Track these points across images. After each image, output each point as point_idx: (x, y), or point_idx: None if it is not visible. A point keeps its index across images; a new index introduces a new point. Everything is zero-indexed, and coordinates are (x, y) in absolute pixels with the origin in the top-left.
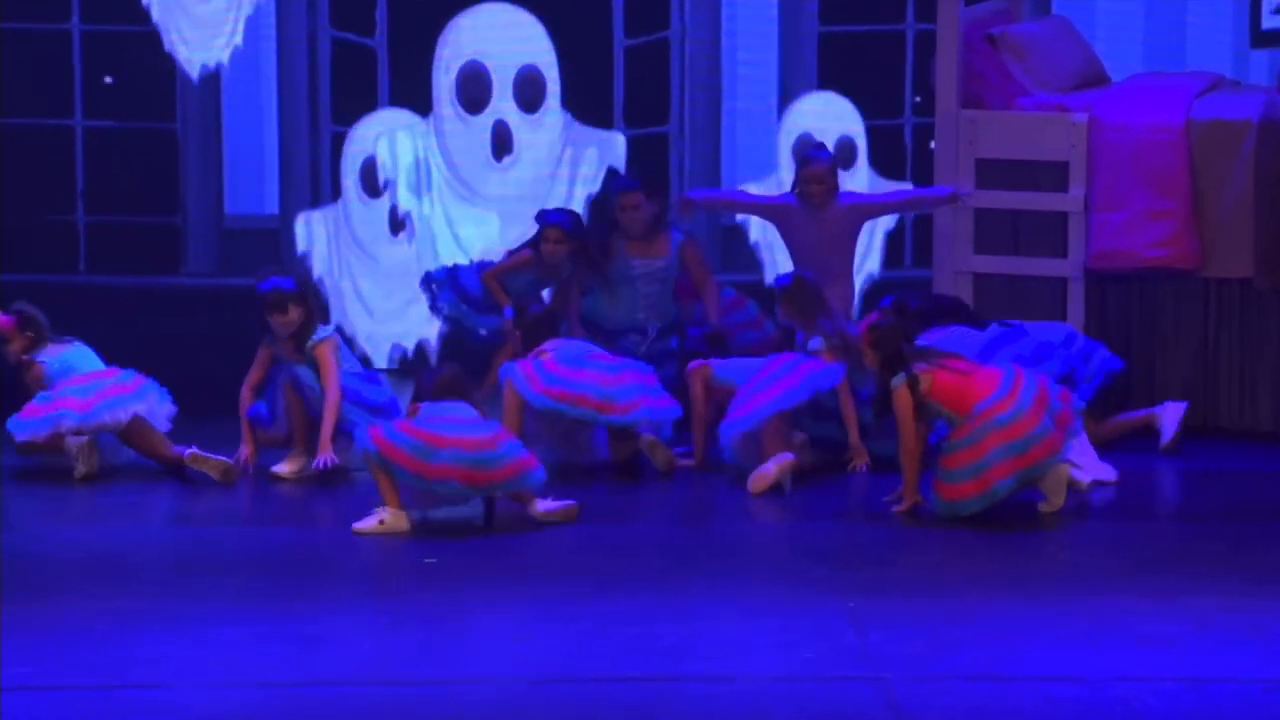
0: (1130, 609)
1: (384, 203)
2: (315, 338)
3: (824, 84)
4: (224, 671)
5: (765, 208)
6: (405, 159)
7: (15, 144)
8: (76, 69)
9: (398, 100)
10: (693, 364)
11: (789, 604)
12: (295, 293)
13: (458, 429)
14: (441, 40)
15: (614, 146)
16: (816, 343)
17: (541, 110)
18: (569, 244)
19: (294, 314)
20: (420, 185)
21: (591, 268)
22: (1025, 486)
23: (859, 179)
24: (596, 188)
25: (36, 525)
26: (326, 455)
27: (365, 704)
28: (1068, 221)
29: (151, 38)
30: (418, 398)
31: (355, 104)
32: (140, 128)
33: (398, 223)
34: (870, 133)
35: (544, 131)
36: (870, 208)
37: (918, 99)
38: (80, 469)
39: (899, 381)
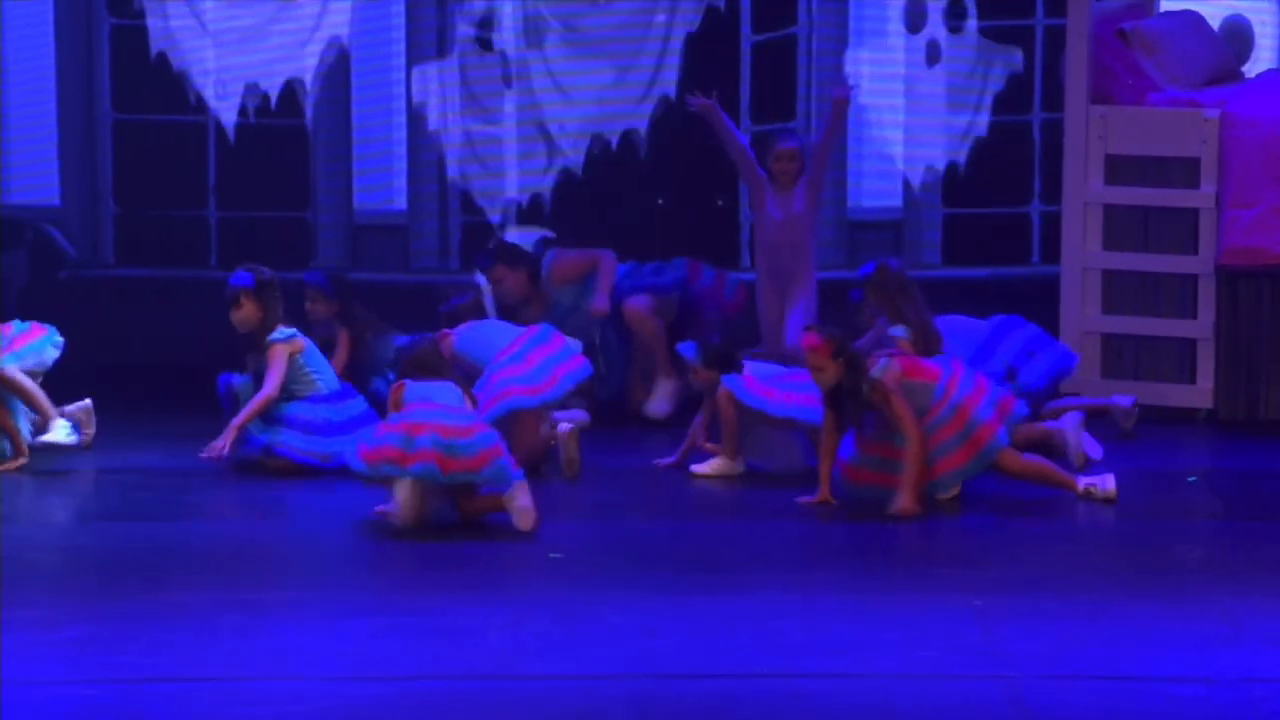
0: (1264, 609)
1: (496, 57)
2: (272, 336)
3: (949, 79)
4: (350, 664)
5: (748, 162)
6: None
7: (149, 140)
8: (209, 65)
9: (525, 97)
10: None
11: (913, 601)
12: (251, 288)
13: (436, 415)
14: None
15: None
16: (900, 331)
17: None
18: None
19: (248, 310)
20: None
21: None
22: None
23: None
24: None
25: (163, 517)
26: (221, 445)
27: (493, 698)
28: (1198, 218)
29: (282, 34)
30: (401, 374)
31: (485, 102)
32: (270, 123)
33: (508, 76)
34: (999, 128)
35: None
36: (813, 172)
37: (1047, 95)
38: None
39: (881, 370)
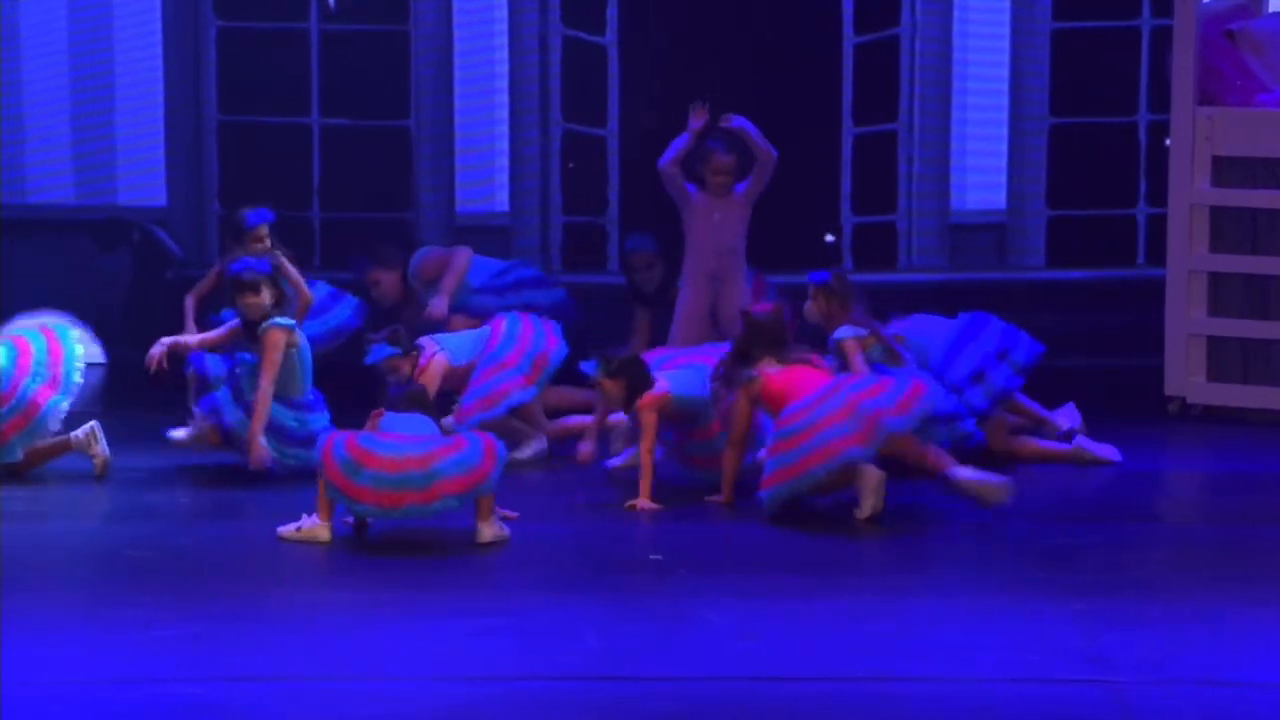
0: None
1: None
2: (276, 320)
3: (1056, 81)
4: (449, 664)
5: (683, 191)
6: None
7: (255, 142)
8: (314, 67)
9: (627, 98)
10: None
11: (1011, 605)
12: (270, 275)
13: (392, 448)
14: None
15: None
16: (845, 332)
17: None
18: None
19: (265, 296)
20: None
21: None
22: (830, 488)
23: None
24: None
25: (259, 515)
26: (261, 454)
27: (590, 699)
28: None
29: (385, 36)
30: (382, 405)
31: (586, 102)
32: (375, 125)
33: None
34: (1104, 130)
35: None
36: (749, 186)
37: (1153, 95)
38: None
39: (744, 379)
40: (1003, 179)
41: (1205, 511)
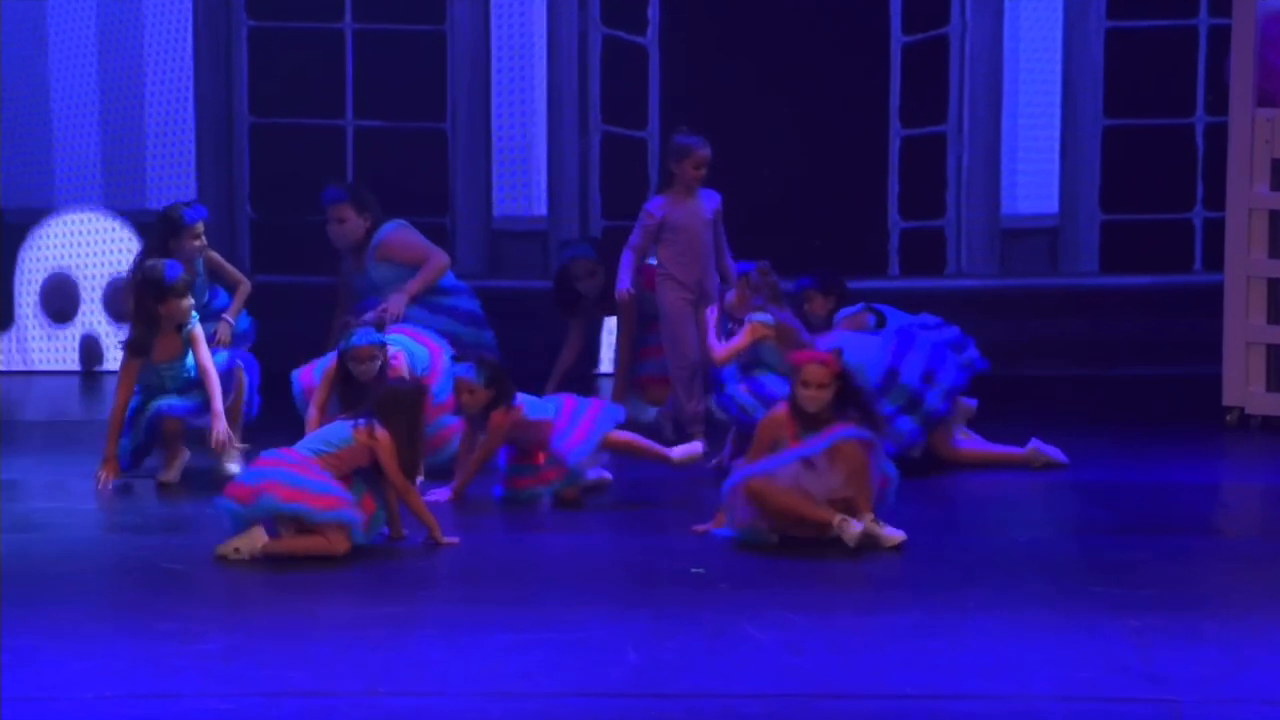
0: None
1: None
2: (195, 322)
3: (1110, 81)
4: (489, 680)
5: (651, 232)
6: None
7: (288, 144)
8: (348, 68)
9: (667, 99)
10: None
11: (1067, 621)
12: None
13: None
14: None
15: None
16: (765, 316)
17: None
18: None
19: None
20: None
21: None
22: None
23: None
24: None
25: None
26: (231, 444)
27: (631, 716)
28: None
29: (420, 36)
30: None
31: (626, 104)
32: (410, 127)
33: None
34: (1159, 132)
35: None
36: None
37: (1210, 97)
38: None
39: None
40: (1055, 182)
41: (1264, 525)
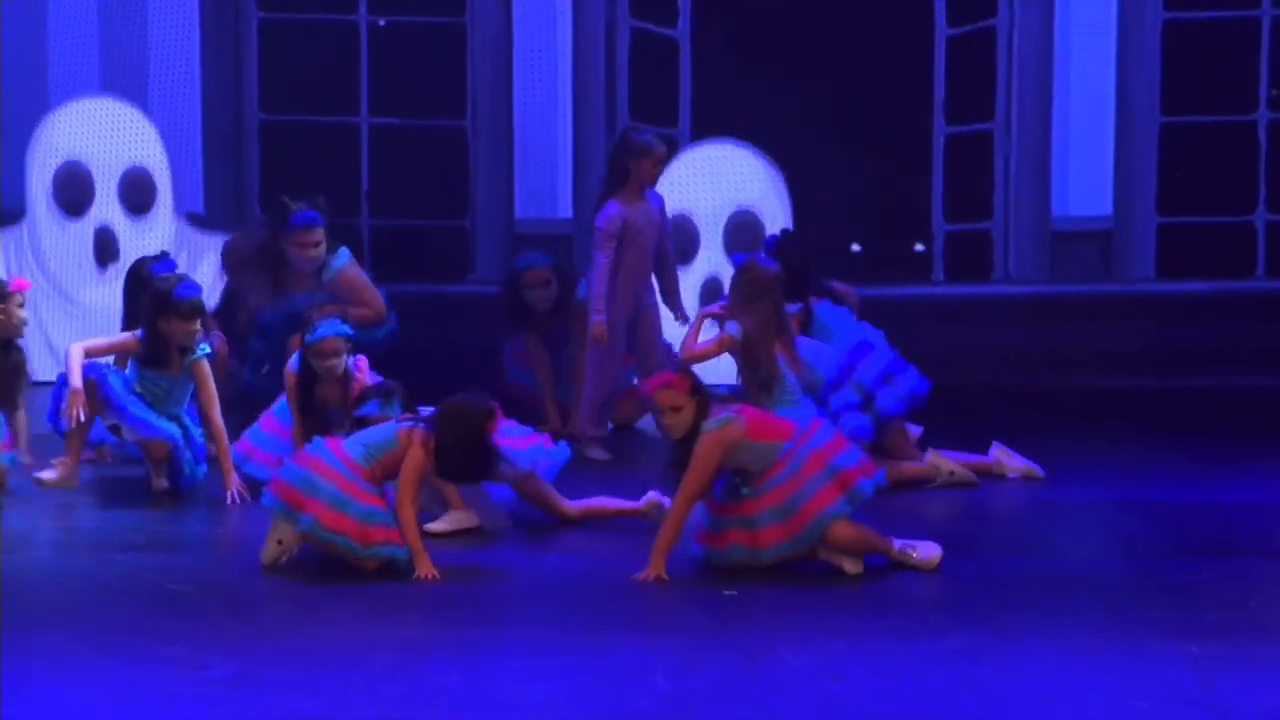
0: None
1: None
2: (202, 352)
3: (1168, 76)
4: (511, 709)
5: (614, 241)
6: None
7: (300, 142)
8: (363, 63)
9: (700, 96)
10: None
11: (1122, 647)
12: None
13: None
14: (34, 137)
15: None
16: (734, 327)
17: (151, 214)
18: None
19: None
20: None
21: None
22: (804, 551)
23: None
24: (216, 298)
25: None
26: (235, 486)
27: None
28: None
29: (439, 29)
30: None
31: (655, 100)
32: (428, 125)
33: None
34: (1220, 129)
35: (153, 235)
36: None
37: (1274, 91)
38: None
39: (716, 424)
40: (1109, 183)
41: None
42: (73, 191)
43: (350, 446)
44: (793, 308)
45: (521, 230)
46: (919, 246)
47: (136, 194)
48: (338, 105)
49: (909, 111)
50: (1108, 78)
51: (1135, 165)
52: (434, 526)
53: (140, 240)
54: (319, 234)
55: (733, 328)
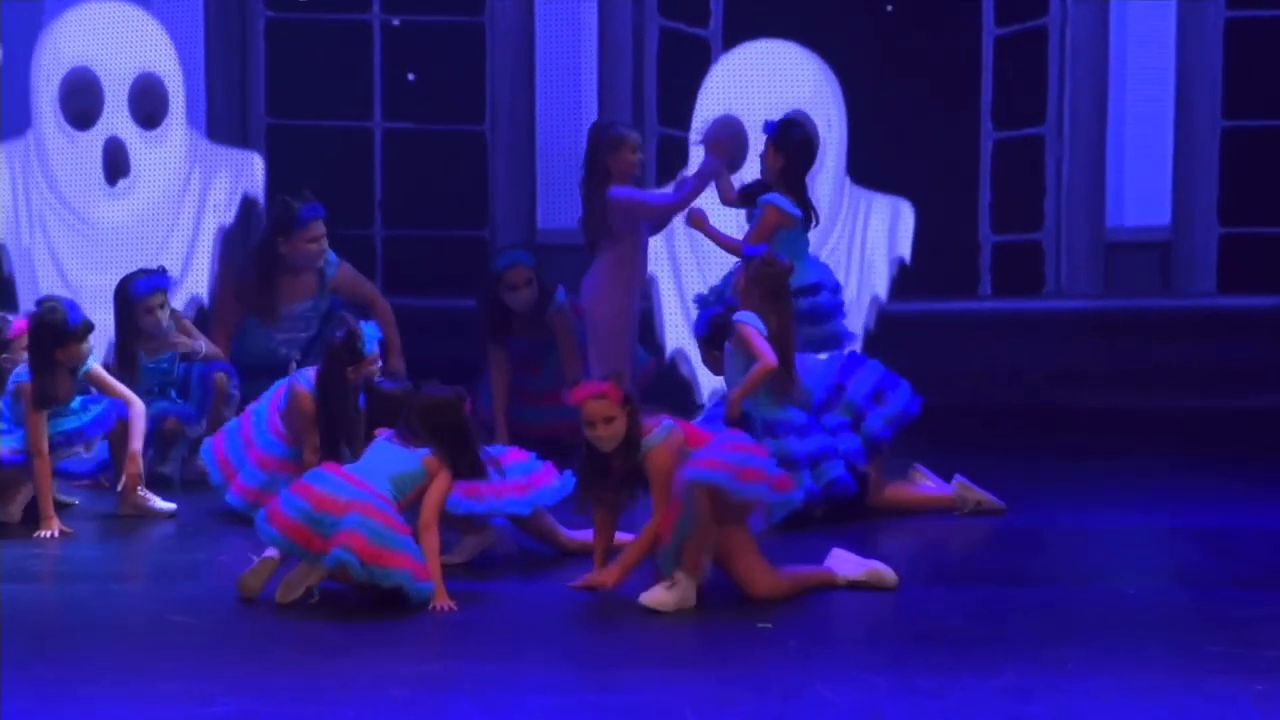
0: None
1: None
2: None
3: (1230, 78)
4: None
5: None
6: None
7: (309, 148)
8: (376, 64)
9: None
10: None
11: (1181, 683)
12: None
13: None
14: (39, 44)
15: (249, 168)
16: (749, 318)
17: (163, 126)
18: None
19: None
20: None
21: None
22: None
23: None
24: (230, 216)
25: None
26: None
27: None
28: None
29: (457, 29)
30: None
31: (685, 104)
32: (445, 130)
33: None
34: None
35: (166, 149)
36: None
37: None
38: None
39: (660, 437)
40: (1167, 191)
41: None
42: (81, 101)
43: (371, 477)
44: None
45: (544, 241)
46: (966, 257)
47: (147, 104)
48: (350, 109)
49: (955, 116)
50: (1166, 79)
51: (1195, 172)
52: (450, 559)
53: (151, 154)
54: (321, 227)
55: (748, 318)
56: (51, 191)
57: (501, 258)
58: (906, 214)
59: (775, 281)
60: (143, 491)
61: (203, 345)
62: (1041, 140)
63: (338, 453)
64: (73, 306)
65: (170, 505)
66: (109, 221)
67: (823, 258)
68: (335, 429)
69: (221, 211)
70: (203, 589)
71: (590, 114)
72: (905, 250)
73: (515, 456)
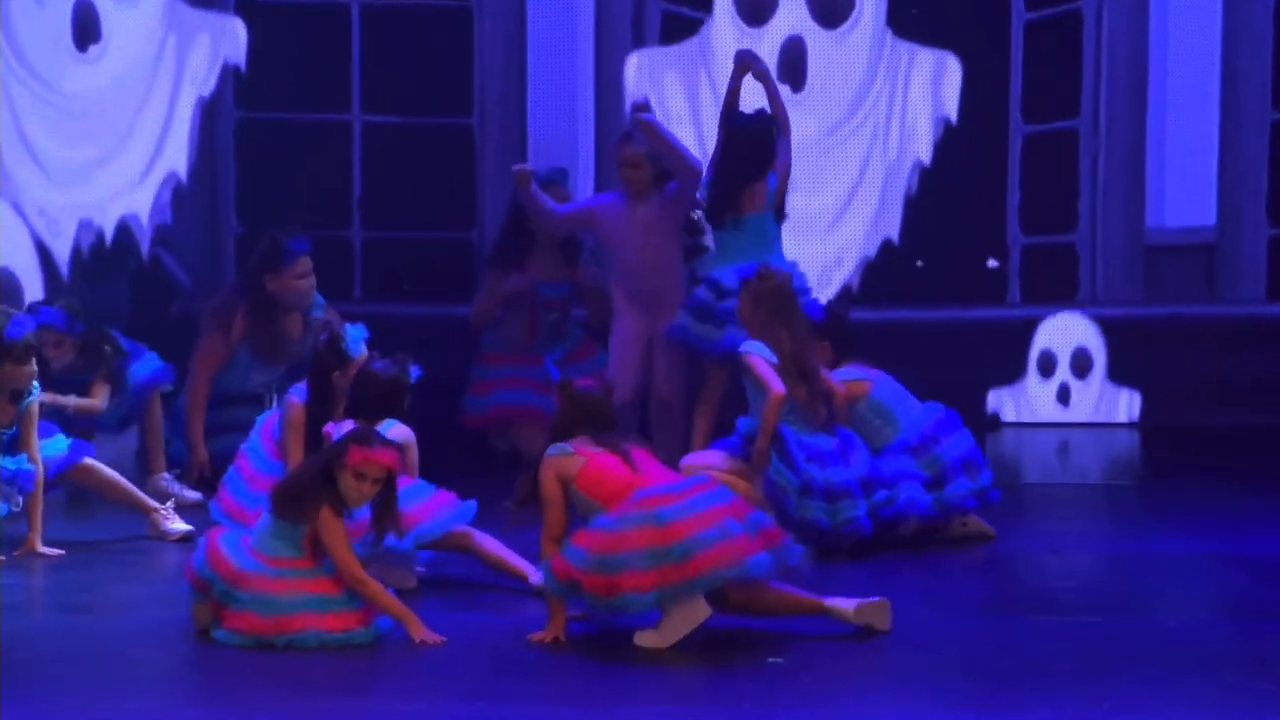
0: None
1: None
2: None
3: None
4: None
5: (574, 216)
6: None
7: (281, 143)
8: (355, 52)
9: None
10: None
11: None
12: (65, 330)
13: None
14: None
15: (231, 34)
16: (758, 349)
17: None
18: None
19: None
20: None
21: None
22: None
23: None
24: (210, 87)
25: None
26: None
27: None
28: None
29: (442, 13)
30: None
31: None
32: (429, 123)
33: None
34: None
35: (139, 13)
36: (677, 195)
37: None
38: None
39: (555, 451)
40: (1212, 189)
41: None
42: None
43: (259, 541)
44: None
45: None
46: (992, 262)
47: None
48: (326, 101)
49: (981, 108)
50: (1211, 68)
51: (1242, 169)
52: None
53: (124, 17)
54: (310, 263)
55: (754, 348)
56: (16, 58)
57: (540, 172)
58: (953, 69)
59: (779, 295)
60: (164, 509)
61: (70, 402)
62: (1075, 134)
63: None
64: (18, 323)
65: (187, 527)
66: (80, 91)
67: (857, 120)
68: (321, 436)
69: (200, 82)
70: (160, 619)
71: (587, 105)
72: (951, 110)
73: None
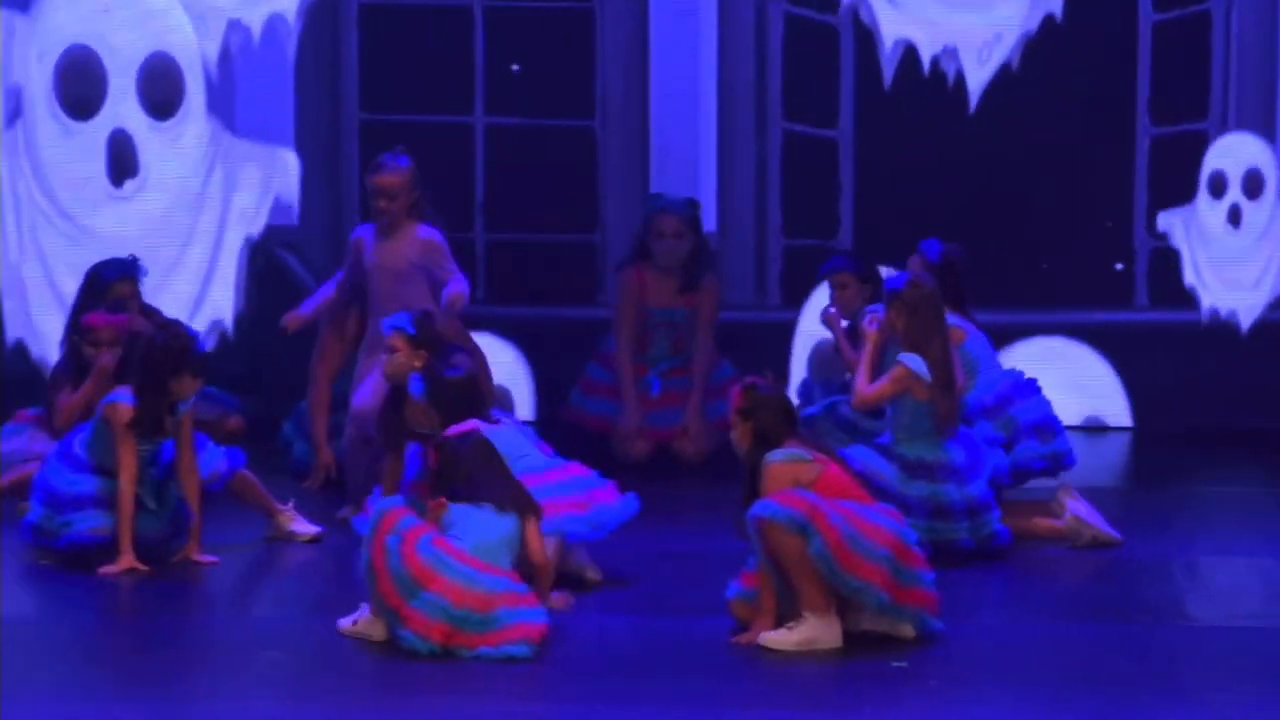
0: None
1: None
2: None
3: None
4: None
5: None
6: None
7: (405, 144)
8: (478, 54)
9: (863, 91)
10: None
11: None
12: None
13: (464, 575)
14: (29, 17)
15: (282, 166)
16: (913, 361)
17: (178, 116)
18: None
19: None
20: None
21: None
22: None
23: None
24: (260, 226)
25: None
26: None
27: None
28: None
29: (564, 15)
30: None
31: (812, 97)
32: (551, 125)
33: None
34: None
35: (182, 144)
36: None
37: None
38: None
39: (776, 458)
40: None
41: None
42: (80, 86)
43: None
44: (960, 321)
45: None
46: (1119, 265)
47: (160, 89)
48: (449, 103)
49: (1108, 110)
50: None
51: None
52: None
53: (165, 149)
54: None
55: (912, 361)
56: (45, 195)
57: (653, 201)
58: None
59: (933, 301)
60: (288, 510)
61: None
62: (1204, 136)
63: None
64: (195, 332)
65: (316, 528)
66: (113, 231)
67: None
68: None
69: (249, 219)
70: (187, 620)
71: (709, 107)
72: None
73: (574, 472)
